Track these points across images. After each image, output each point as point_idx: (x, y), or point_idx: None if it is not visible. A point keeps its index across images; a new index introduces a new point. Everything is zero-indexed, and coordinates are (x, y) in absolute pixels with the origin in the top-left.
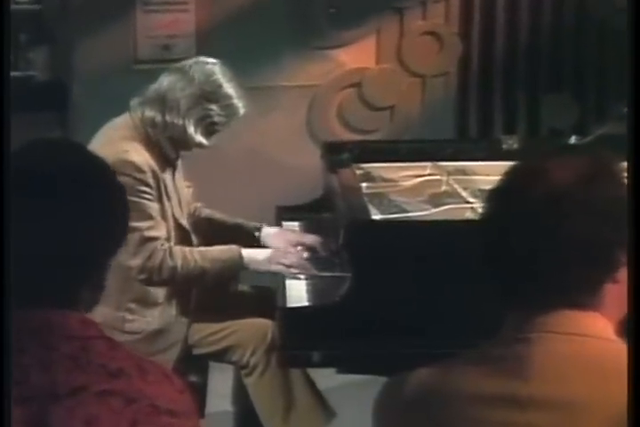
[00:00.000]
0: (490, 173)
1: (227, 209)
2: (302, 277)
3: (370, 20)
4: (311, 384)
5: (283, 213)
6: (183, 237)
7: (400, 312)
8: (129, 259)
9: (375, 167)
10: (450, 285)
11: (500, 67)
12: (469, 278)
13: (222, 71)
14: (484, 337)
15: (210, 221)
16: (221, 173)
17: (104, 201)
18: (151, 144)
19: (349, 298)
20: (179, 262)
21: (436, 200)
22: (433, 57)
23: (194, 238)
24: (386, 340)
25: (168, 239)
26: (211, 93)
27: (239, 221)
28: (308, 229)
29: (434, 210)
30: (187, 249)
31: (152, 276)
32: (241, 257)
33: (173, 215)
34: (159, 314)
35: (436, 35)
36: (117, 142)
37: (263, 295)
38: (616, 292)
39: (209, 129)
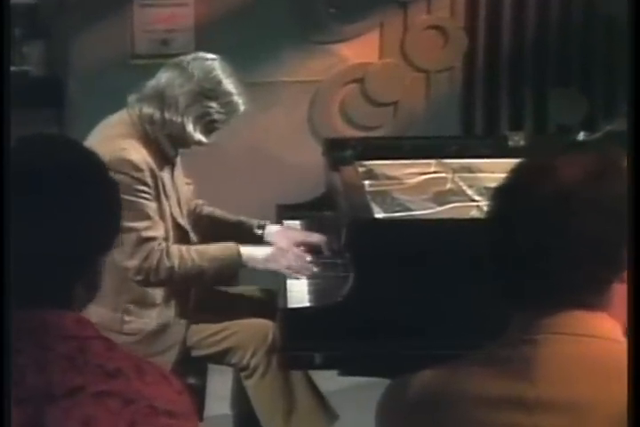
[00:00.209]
0: (496, 170)
1: (226, 207)
2: (303, 276)
3: (373, 14)
4: (313, 386)
5: (283, 212)
6: (182, 237)
7: (403, 313)
8: (126, 259)
9: (378, 164)
10: (455, 285)
11: (506, 62)
12: (475, 278)
13: (222, 67)
14: (490, 338)
15: (211, 219)
16: (221, 171)
17: (97, 198)
18: (149, 141)
19: (352, 298)
20: (176, 262)
21: (440, 198)
22: (438, 52)
23: (193, 238)
24: (389, 341)
25: (166, 239)
26: (210, 90)
27: (241, 218)
28: (309, 227)
29: (438, 208)
30: (184, 248)
31: (149, 276)
32: (239, 255)
33: (172, 215)
34: (157, 315)
35: (440, 29)
36: (114, 140)
37: (264, 296)
38: (624, 292)
39: (208, 126)
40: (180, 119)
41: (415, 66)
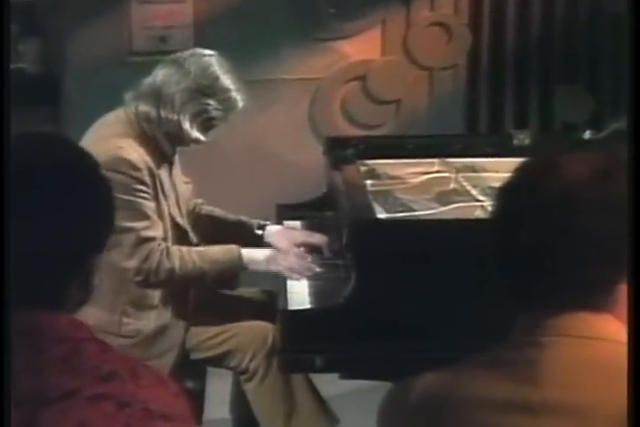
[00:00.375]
0: (500, 169)
1: (225, 207)
2: (304, 277)
3: (375, 11)
4: (313, 390)
5: (283, 212)
6: (181, 237)
7: (405, 315)
8: (124, 260)
9: (380, 164)
10: (458, 286)
11: (511, 59)
12: (478, 279)
13: (219, 63)
14: (494, 340)
15: (211, 219)
16: (220, 171)
17: (90, 196)
18: (147, 140)
19: (353, 300)
20: (176, 263)
21: (443, 198)
22: (441, 49)
23: (192, 237)
24: (391, 343)
25: (165, 239)
26: (207, 87)
27: (242, 218)
28: (309, 228)
29: (442, 208)
30: (184, 249)
31: (149, 277)
32: (240, 258)
33: (170, 214)
34: (155, 317)
35: (444, 25)
36: (111, 138)
37: (264, 297)
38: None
39: (206, 124)
40: (176, 117)
41: (418, 63)
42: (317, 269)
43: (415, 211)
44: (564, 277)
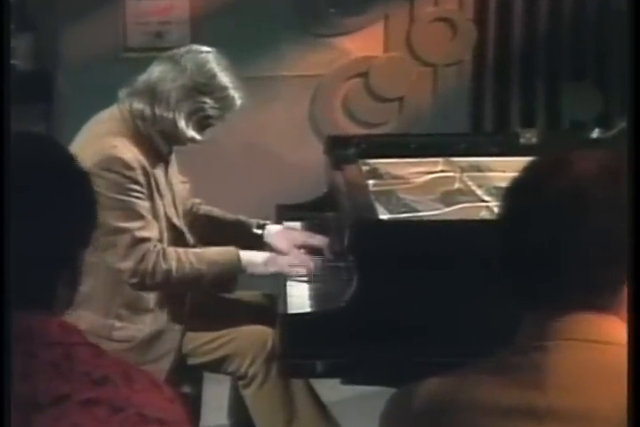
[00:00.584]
0: (506, 169)
1: (224, 207)
2: (304, 281)
3: (377, 6)
4: (314, 396)
5: (283, 213)
6: (177, 238)
7: (409, 318)
8: (119, 261)
9: (383, 163)
10: (463, 289)
11: (517, 55)
12: (484, 282)
13: (216, 60)
14: (500, 345)
15: (209, 219)
16: (218, 170)
17: (69, 191)
18: (141, 138)
19: (355, 303)
20: (173, 265)
21: (448, 198)
22: (445, 45)
23: (189, 238)
24: (394, 348)
25: (160, 240)
26: (204, 85)
27: (241, 218)
28: (310, 229)
29: (446, 209)
30: (181, 251)
31: (144, 279)
32: (239, 259)
33: (166, 214)
34: (151, 321)
35: (448, 21)
36: (105, 137)
37: (263, 301)
38: None
39: (202, 123)
40: (171, 115)
41: (422, 60)
42: (318, 272)
43: (419, 211)
44: (571, 278)
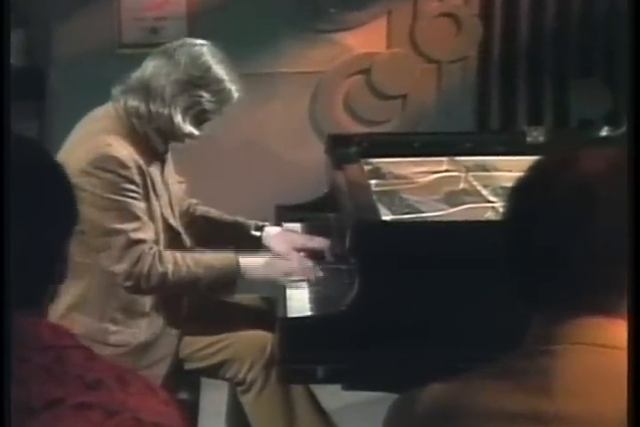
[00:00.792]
0: (513, 168)
1: (221, 208)
2: (304, 284)
3: (380, 0)
4: (314, 402)
5: (283, 213)
6: (173, 240)
7: (412, 322)
8: (113, 264)
9: (385, 162)
10: (468, 292)
11: (524, 51)
12: (490, 285)
13: (211, 53)
14: (506, 349)
15: (206, 220)
16: (216, 170)
17: (46, 185)
18: (137, 137)
19: (356, 307)
20: (169, 268)
21: (453, 199)
22: (450, 41)
23: (186, 240)
24: (396, 353)
25: (156, 242)
26: (199, 78)
27: (238, 219)
28: (310, 230)
29: (451, 210)
30: (178, 254)
31: (140, 282)
32: (238, 264)
33: (162, 215)
34: (146, 325)
35: (453, 16)
36: (99, 135)
37: (262, 304)
38: None
39: (199, 117)
40: (166, 111)
41: (426, 56)
42: (319, 274)
43: (422, 212)
44: (579, 280)
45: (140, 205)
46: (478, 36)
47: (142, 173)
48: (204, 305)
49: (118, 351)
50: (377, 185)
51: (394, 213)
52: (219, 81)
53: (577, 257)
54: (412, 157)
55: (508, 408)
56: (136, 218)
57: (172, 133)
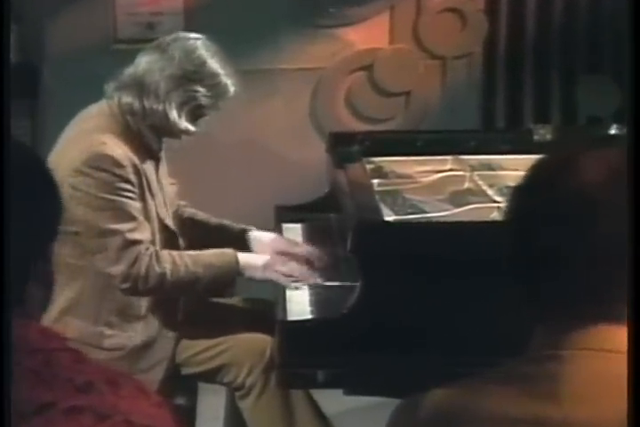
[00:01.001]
0: (519, 167)
1: (220, 209)
2: (304, 286)
3: None
4: (314, 407)
5: (283, 214)
6: (169, 240)
7: (415, 326)
8: (110, 265)
9: (388, 161)
10: (473, 295)
11: (530, 47)
12: (495, 288)
13: (206, 47)
14: (511, 354)
15: (193, 222)
16: (213, 169)
17: (32, 185)
18: (132, 134)
19: (358, 309)
20: (167, 268)
21: (457, 199)
22: (455, 36)
23: (181, 241)
24: (399, 357)
25: (153, 242)
26: (193, 73)
27: (224, 222)
28: (311, 231)
29: (455, 210)
30: (175, 253)
31: (137, 284)
32: (237, 262)
33: (158, 215)
34: (142, 328)
35: (458, 11)
36: (93, 133)
37: (261, 307)
38: None
39: (195, 113)
40: (161, 107)
41: (429, 52)
42: (319, 277)
43: (426, 212)
44: (584, 284)
45: (135, 205)
46: (484, 31)
47: (137, 171)
48: (201, 307)
49: (114, 355)
50: (379, 185)
51: (397, 214)
52: (214, 75)
53: (583, 261)
54: (415, 156)
55: (512, 414)
56: (132, 218)
57: (167, 130)
